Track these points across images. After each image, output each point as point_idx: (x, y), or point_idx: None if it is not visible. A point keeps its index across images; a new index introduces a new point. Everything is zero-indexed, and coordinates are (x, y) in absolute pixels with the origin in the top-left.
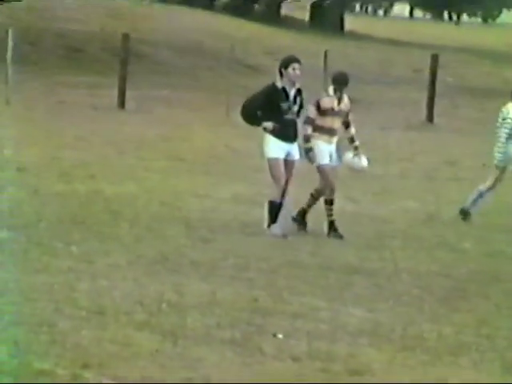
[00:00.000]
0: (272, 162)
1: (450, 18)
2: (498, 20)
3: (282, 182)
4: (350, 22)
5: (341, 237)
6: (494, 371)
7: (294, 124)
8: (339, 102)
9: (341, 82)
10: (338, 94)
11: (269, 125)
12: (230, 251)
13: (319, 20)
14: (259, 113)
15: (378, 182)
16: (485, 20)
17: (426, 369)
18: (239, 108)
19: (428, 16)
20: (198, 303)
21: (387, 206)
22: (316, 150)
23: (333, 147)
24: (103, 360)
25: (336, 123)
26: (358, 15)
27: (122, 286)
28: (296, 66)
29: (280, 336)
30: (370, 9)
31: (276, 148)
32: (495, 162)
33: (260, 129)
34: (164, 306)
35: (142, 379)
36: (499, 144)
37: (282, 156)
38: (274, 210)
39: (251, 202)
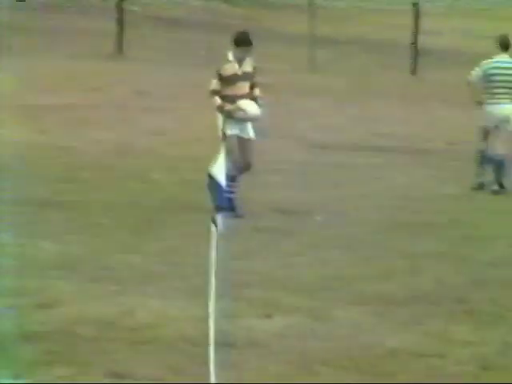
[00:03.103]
0: None
1: None
2: None
3: None
4: None
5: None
6: (180, 298)
7: None
8: (241, 65)
9: (244, 44)
10: (239, 56)
11: None
12: None
13: None
14: None
15: (69, 113)
16: None
17: (114, 298)
18: None
19: None
20: None
21: (78, 137)
22: (221, 122)
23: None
24: None
25: (243, 89)
26: None
27: None
28: None
29: None
30: None
31: None
32: None
33: None
34: None
35: None
36: None
37: None
38: None
39: None
